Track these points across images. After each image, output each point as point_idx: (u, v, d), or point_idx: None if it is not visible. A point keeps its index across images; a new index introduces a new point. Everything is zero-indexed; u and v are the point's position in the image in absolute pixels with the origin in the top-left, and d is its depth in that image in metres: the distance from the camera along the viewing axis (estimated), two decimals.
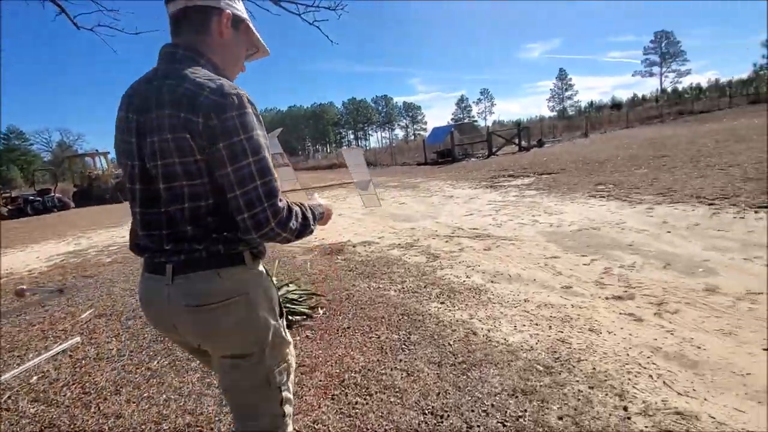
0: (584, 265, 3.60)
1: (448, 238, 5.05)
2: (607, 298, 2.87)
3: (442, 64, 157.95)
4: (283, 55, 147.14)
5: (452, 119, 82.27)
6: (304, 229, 0.97)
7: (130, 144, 0.95)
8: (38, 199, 16.82)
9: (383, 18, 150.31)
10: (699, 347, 2.14)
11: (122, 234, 8.42)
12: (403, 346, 2.26)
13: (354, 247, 5.07)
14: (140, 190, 0.96)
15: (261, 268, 1.07)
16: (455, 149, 18.03)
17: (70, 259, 6.47)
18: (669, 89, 63.05)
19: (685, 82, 64.02)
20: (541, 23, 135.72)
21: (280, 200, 0.91)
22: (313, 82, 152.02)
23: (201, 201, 0.93)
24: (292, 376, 1.13)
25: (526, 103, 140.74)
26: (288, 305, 2.71)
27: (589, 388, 1.83)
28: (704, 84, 54.63)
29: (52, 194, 17.31)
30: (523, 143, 18.53)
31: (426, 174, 14.27)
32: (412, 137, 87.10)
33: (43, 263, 6.37)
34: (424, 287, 3.36)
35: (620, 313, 2.63)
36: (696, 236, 4.00)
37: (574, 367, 2.01)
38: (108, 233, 8.95)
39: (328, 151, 78.34)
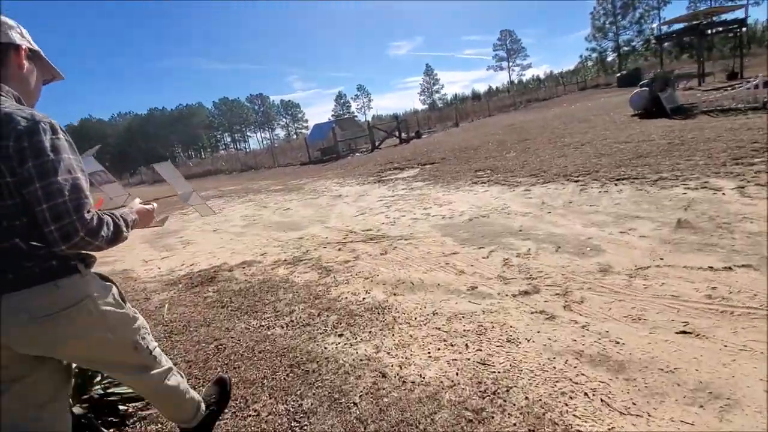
0: (483, 258, 3.42)
1: (341, 245, 4.53)
2: (514, 296, 2.66)
3: (318, 61, 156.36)
4: (131, 53, 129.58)
5: (333, 116, 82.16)
6: (116, 237, 1.09)
7: None
8: None
9: (250, 14, 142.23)
10: (617, 342, 1.98)
11: None
12: (294, 422, 1.65)
13: (230, 271, 4.22)
14: None
15: (88, 266, 1.13)
16: (339, 145, 17.59)
17: None
18: (516, 81, 72.40)
19: (528, 74, 74.23)
20: (404, 23, 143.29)
21: (89, 212, 1.00)
22: (175, 82, 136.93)
23: (16, 220, 0.99)
24: (147, 329, 1.33)
25: (400, 98, 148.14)
26: (111, 398, 1.83)
27: None
28: (542, 75, 64.09)
29: None
30: (403, 135, 19.00)
31: (311, 174, 13.56)
32: (294, 136, 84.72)
33: None
34: (318, 315, 2.78)
35: (532, 312, 2.42)
36: (573, 214, 4.17)
37: (505, 401, 1.66)
38: None
39: (203, 156, 71.26)
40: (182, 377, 1.45)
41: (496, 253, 3.47)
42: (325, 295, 3.13)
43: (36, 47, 1.16)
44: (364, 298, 2.97)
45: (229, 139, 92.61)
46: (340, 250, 4.38)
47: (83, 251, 1.08)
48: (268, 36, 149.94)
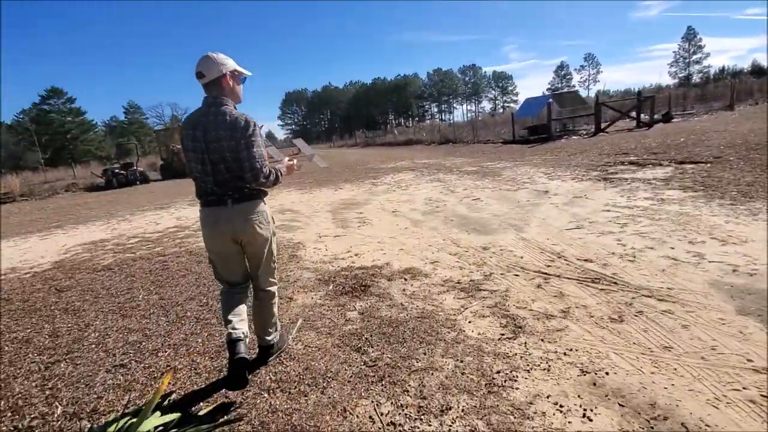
0: None
1: (541, 279, 3.09)
2: None
3: (540, 28, 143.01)
4: (364, 29, 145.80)
5: (549, 89, 74.28)
6: (276, 181, 2.00)
7: (200, 148, 1.91)
8: (122, 172, 17.64)
9: None
10: None
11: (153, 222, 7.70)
12: None
13: (390, 280, 3.36)
14: (211, 169, 1.91)
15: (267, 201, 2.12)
16: (553, 124, 14.90)
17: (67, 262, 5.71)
18: None
19: None
20: None
21: (265, 167, 1.92)
22: (398, 55, 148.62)
23: (241, 169, 1.91)
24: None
25: (639, 70, 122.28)
26: None
27: None
28: None
29: (135, 168, 18.15)
30: (644, 117, 14.74)
31: (513, 156, 11.81)
32: (501, 110, 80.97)
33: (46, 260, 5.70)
34: None
35: None
36: None
37: None
38: (143, 219, 8.35)
39: (410, 125, 75.92)
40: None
41: None
42: (506, 391, 1.85)
43: (234, 66, 1.99)
44: None
45: (435, 109, 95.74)
46: (539, 287, 2.95)
47: (263, 189, 2.05)
48: (490, 3, 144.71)
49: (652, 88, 37.99)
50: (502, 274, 3.27)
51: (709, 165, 6.33)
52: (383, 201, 7.05)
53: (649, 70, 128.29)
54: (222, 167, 1.89)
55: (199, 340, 2.60)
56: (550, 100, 15.53)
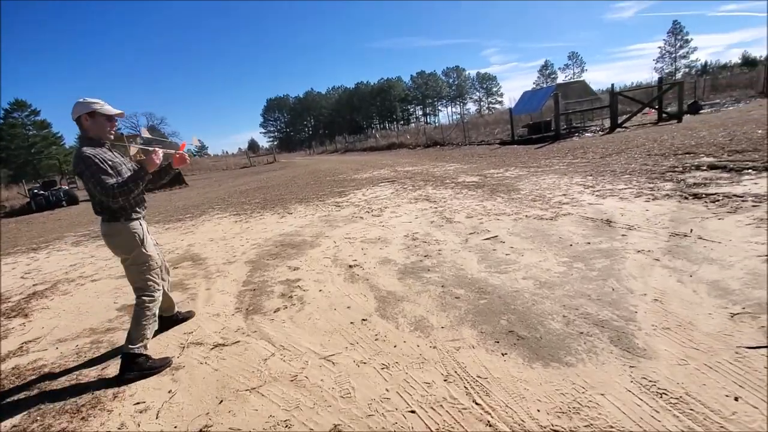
0: None
1: None
2: None
3: (520, 32, 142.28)
4: (347, 35, 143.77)
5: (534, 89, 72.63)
6: (128, 193, 2.11)
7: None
8: (42, 192, 14.51)
9: None
10: None
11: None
12: None
13: None
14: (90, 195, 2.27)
15: (129, 220, 2.29)
16: (560, 120, 12.41)
17: None
18: None
19: None
20: None
21: (106, 190, 2.06)
22: (381, 59, 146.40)
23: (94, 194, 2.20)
24: (156, 270, 2.38)
25: (618, 70, 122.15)
26: None
27: None
28: None
29: (58, 187, 15.15)
30: (670, 109, 12.39)
31: (522, 160, 9.27)
32: (486, 111, 79.24)
33: None
34: None
35: None
36: None
37: None
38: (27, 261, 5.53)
39: (395, 128, 73.31)
40: (154, 326, 2.36)
41: None
42: None
43: (91, 108, 2.19)
44: None
45: (420, 112, 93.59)
46: None
47: (122, 208, 2.24)
48: (471, 7, 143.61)
49: (633, 86, 35.46)
50: None
51: None
52: (341, 239, 4.42)
53: (628, 69, 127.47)
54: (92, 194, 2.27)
55: None
56: (554, 91, 13.12)
